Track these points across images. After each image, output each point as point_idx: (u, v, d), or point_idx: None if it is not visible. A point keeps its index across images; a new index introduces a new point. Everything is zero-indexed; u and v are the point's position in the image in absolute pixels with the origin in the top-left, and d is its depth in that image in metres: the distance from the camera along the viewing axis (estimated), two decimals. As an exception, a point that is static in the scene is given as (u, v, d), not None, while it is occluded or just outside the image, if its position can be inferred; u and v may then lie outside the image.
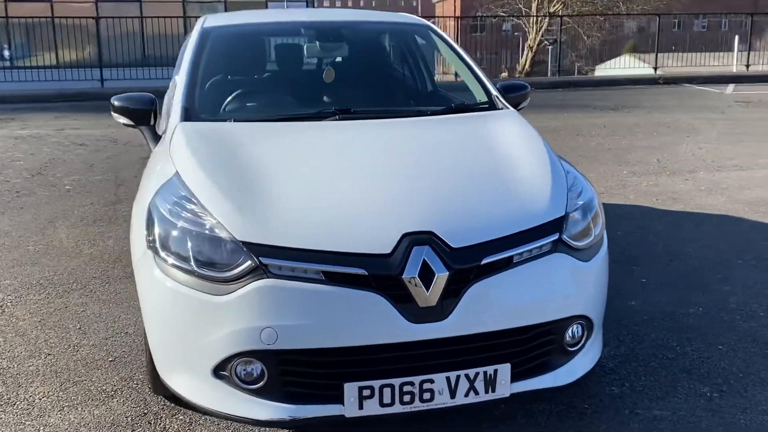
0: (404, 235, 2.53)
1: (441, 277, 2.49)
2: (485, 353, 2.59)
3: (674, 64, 18.42)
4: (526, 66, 35.89)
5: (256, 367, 2.53)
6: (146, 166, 3.52)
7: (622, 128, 10.49)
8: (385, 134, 3.33)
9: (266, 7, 22.48)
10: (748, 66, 17.99)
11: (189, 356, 2.63)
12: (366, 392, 2.51)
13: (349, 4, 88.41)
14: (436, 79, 4.89)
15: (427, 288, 2.48)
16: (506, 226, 2.65)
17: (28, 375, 3.40)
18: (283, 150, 3.11)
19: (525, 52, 37.40)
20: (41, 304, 4.25)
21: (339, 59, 4.18)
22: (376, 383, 2.51)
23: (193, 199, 2.73)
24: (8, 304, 4.27)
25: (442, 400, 2.56)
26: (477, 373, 2.57)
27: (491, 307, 2.56)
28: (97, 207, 6.46)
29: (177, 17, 20.34)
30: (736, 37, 20.97)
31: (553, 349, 2.73)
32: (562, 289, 2.71)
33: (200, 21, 4.18)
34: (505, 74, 36.03)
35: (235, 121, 3.39)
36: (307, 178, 2.86)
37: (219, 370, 2.56)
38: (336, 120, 3.39)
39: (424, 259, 2.49)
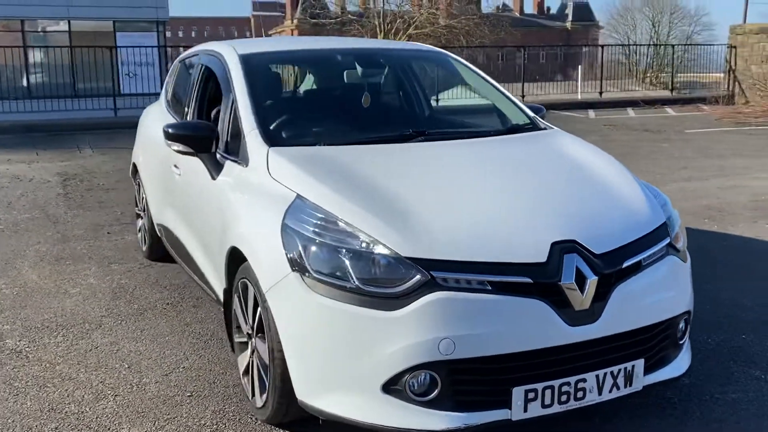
0: (553, 244, 2.71)
1: (592, 282, 2.69)
2: (625, 351, 2.80)
3: (514, 92, 19.62)
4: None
5: (429, 379, 2.60)
6: (222, 195, 3.45)
7: (522, 151, 11.13)
8: (477, 153, 3.49)
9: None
10: (601, 93, 19.59)
11: (353, 374, 2.64)
12: (531, 395, 2.65)
13: (180, 34, 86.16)
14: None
15: (582, 292, 2.67)
16: (630, 232, 2.91)
17: (110, 417, 3.23)
18: (396, 169, 3.19)
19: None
20: (66, 346, 4.00)
21: (380, 83, 4.29)
22: (539, 386, 2.65)
23: (336, 219, 2.77)
24: (26, 349, 3.98)
25: (592, 398, 2.75)
26: (619, 370, 2.78)
27: (630, 307, 2.79)
28: (48, 246, 6.07)
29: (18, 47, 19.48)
30: (579, 67, 22.77)
31: (669, 344, 2.99)
32: (676, 287, 2.99)
33: (227, 49, 4.14)
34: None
35: (323, 145, 3.42)
36: (438, 195, 2.96)
37: (390, 385, 2.60)
38: (420, 141, 3.51)
39: (576, 266, 2.68)
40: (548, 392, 2.67)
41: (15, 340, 4.10)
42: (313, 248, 2.72)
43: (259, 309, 2.98)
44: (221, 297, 3.63)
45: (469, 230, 2.75)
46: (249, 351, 3.20)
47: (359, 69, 4.18)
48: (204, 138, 3.58)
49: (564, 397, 2.69)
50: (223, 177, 3.54)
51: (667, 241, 3.01)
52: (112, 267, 5.47)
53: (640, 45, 34.62)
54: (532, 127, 3.96)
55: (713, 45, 20.50)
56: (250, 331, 3.17)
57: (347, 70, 4.14)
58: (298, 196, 2.94)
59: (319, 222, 2.79)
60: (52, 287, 5.02)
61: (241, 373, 3.32)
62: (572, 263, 2.68)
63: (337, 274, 2.66)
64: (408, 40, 36.41)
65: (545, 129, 3.94)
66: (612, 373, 2.76)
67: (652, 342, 2.89)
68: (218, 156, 3.63)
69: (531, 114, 4.07)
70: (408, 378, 2.58)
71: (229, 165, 3.54)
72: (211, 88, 4.36)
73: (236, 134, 3.57)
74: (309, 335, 2.73)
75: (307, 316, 2.72)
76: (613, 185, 3.23)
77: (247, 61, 3.92)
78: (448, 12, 39.79)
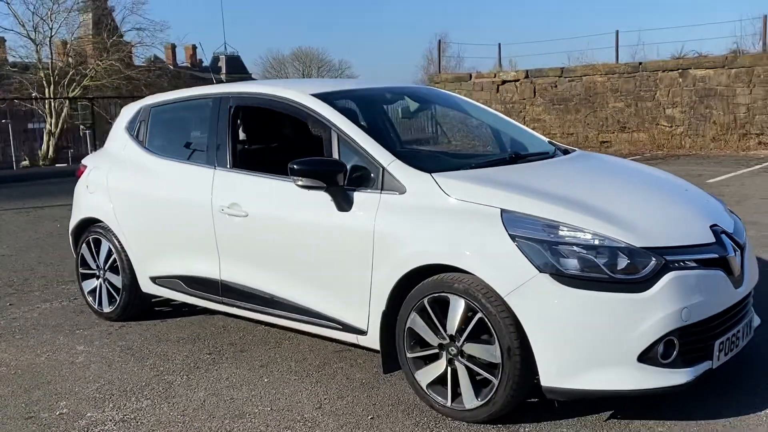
0: (710, 227, 3.51)
1: (738, 254, 3.53)
2: (748, 306, 3.68)
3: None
4: (50, 153, 34.81)
5: (669, 343, 3.18)
6: (366, 224, 3.61)
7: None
8: (582, 168, 4.17)
9: None
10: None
11: (610, 351, 3.14)
12: (720, 346, 3.38)
13: None
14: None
15: (737, 262, 3.49)
16: (729, 218, 3.81)
17: (329, 449, 3.24)
18: (551, 182, 3.71)
19: (46, 139, 36.28)
20: (170, 406, 3.75)
21: (435, 116, 4.66)
22: (723, 338, 3.40)
23: (558, 223, 3.24)
24: (126, 417, 3.65)
25: (740, 345, 3.57)
26: (748, 321, 3.65)
27: (750, 272, 3.67)
28: (-42, 325, 5.26)
29: None
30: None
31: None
32: (755, 259, 3.95)
33: (291, 92, 4.24)
34: (26, 162, 34.09)
35: (469, 168, 3.80)
36: (607, 198, 3.57)
37: (645, 354, 3.14)
38: (527, 162, 4.06)
39: (730, 243, 3.50)
40: (727, 343, 3.43)
41: (96, 412, 3.71)
42: (555, 250, 3.17)
43: (477, 315, 3.29)
44: (357, 324, 3.78)
45: (658, 222, 3.43)
46: (443, 360, 3.45)
47: (414, 104, 4.56)
48: (338, 172, 3.72)
49: (731, 346, 3.47)
50: (359, 208, 3.71)
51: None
52: (81, 333, 4.99)
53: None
54: (560, 151, 4.66)
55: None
56: (444, 341, 3.43)
57: (401, 106, 4.50)
58: (503, 210, 3.34)
59: (545, 228, 3.23)
60: (46, 361, 4.49)
61: (424, 385, 3.52)
62: (727, 241, 3.49)
63: (587, 267, 3.14)
64: (84, 92, 34.75)
65: (575, 151, 4.64)
66: (746, 324, 3.62)
67: (750, 299, 3.81)
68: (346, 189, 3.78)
69: (547, 140, 4.81)
70: (659, 345, 3.15)
71: (363, 196, 3.71)
72: (252, 127, 4.41)
73: (365, 167, 3.76)
74: (564, 325, 3.15)
75: (562, 308, 3.14)
76: (686, 184, 4.13)
77: (327, 99, 4.10)
78: (128, 63, 38.74)
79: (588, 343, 3.16)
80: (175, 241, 4.69)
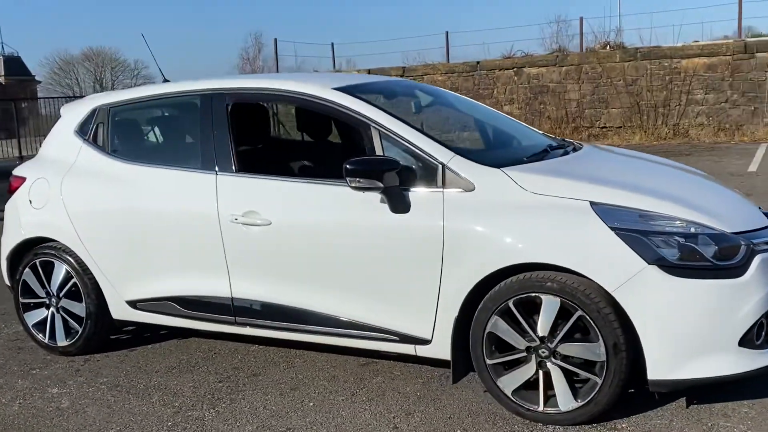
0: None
1: None
2: None
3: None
4: None
5: (762, 324, 3.23)
6: (432, 224, 3.37)
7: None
8: (620, 160, 4.18)
9: None
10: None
11: (714, 338, 3.14)
12: (781, 322, 3.51)
13: None
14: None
15: (780, 240, 3.65)
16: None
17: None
18: (612, 172, 3.69)
19: None
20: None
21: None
22: (775, 317, 3.53)
23: (652, 213, 3.20)
24: (177, 464, 3.15)
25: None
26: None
27: None
28: None
29: None
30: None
31: None
32: None
33: (313, 87, 3.86)
34: None
35: (527, 162, 3.65)
36: (666, 185, 3.59)
37: (744, 338, 3.17)
38: (565, 154, 3.95)
39: (778, 227, 3.66)
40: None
41: (138, 463, 3.17)
42: (657, 240, 3.12)
43: (576, 313, 3.17)
44: (419, 333, 3.55)
45: (726, 208, 3.51)
46: (533, 363, 3.30)
47: (427, 98, 4.31)
48: (394, 171, 3.43)
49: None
50: (418, 209, 3.44)
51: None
52: (40, 373, 4.27)
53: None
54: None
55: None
56: (532, 344, 3.28)
57: (413, 100, 4.25)
58: (593, 203, 3.24)
59: (642, 218, 3.18)
60: (22, 410, 3.79)
61: (509, 392, 3.35)
62: (773, 222, 3.64)
63: (689, 256, 3.12)
64: None
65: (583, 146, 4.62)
66: None
67: None
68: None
69: (540, 132, 4.77)
70: (756, 327, 3.20)
71: (421, 195, 3.45)
72: (257, 126, 4.00)
73: (416, 165, 3.51)
74: (672, 316, 3.10)
75: (670, 299, 3.09)
76: (695, 170, 4.27)
77: (355, 95, 3.77)
78: None
79: (695, 331, 3.14)
80: (165, 258, 4.11)
